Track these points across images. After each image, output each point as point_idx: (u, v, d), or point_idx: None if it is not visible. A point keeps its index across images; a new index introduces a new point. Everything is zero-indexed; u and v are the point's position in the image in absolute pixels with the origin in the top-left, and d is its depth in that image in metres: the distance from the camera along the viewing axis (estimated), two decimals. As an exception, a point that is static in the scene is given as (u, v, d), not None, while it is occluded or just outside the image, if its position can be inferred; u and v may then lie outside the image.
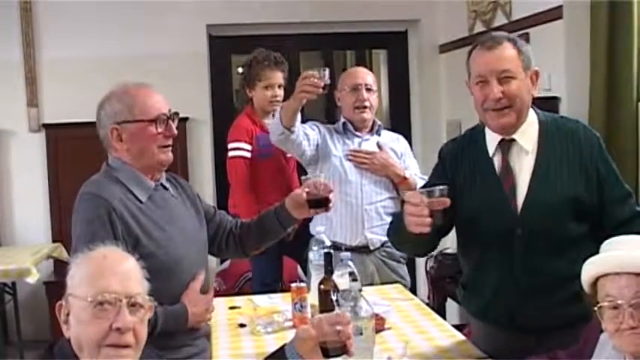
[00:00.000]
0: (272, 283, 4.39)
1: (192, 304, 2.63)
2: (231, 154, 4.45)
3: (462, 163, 2.81)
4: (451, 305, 5.45)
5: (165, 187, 2.71)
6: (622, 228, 2.54)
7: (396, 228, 2.79)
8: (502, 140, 2.72)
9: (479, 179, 2.75)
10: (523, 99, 2.64)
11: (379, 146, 4.01)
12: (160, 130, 2.58)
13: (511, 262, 2.67)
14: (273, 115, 4.55)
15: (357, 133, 4.12)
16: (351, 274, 2.93)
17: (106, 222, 2.46)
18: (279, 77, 4.49)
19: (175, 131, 2.63)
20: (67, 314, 1.91)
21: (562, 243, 2.64)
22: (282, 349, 2.14)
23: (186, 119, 5.82)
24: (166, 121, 2.60)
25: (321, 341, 2.08)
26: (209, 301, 2.73)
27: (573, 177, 2.65)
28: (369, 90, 4.09)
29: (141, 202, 2.58)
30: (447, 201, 2.52)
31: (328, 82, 3.69)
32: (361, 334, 2.34)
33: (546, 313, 2.66)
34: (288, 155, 4.42)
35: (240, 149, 4.41)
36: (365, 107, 4.07)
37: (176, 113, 2.66)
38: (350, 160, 3.97)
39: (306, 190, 2.87)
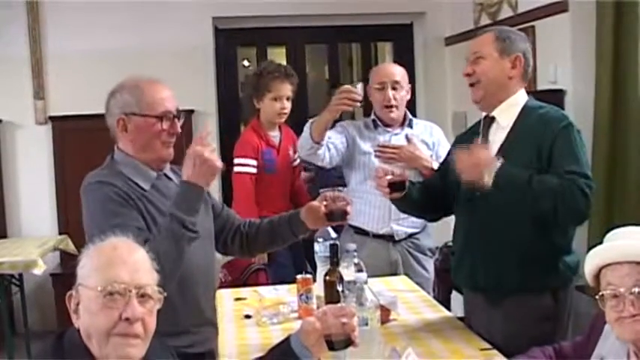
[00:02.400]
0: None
1: (185, 173, 2.51)
2: (237, 169, 4.46)
3: (462, 143, 3.09)
4: (456, 297, 5.46)
5: (169, 178, 2.72)
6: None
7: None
8: (486, 117, 3.07)
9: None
10: (491, 78, 2.99)
11: (408, 139, 4.00)
12: (165, 127, 2.60)
13: (472, 224, 3.00)
14: (280, 127, 4.60)
15: (387, 129, 4.12)
16: (356, 265, 2.96)
17: (120, 199, 2.49)
18: (288, 89, 4.50)
19: (179, 130, 2.64)
20: (77, 304, 1.92)
21: (520, 208, 2.81)
22: (287, 340, 2.16)
23: (192, 112, 5.84)
24: (172, 118, 2.62)
25: (325, 334, 2.10)
26: (197, 155, 2.49)
27: (534, 150, 2.86)
28: (395, 88, 4.06)
29: (144, 190, 2.60)
30: (406, 175, 3.09)
31: (362, 95, 3.77)
32: (367, 324, 2.35)
33: (499, 274, 2.89)
34: (294, 164, 4.44)
35: (246, 165, 4.43)
36: (392, 106, 4.05)
37: (182, 112, 2.68)
38: (378, 157, 3.94)
39: (324, 203, 2.88)
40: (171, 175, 2.74)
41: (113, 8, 5.96)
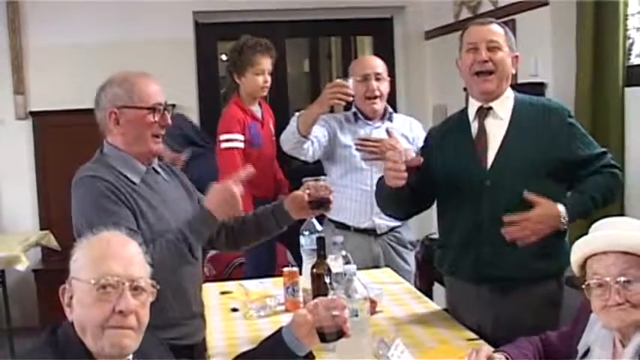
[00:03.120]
0: (267, 270, 4.42)
1: (209, 202, 2.65)
2: (224, 145, 4.41)
3: (445, 135, 3.11)
4: (438, 289, 5.50)
5: (157, 172, 2.74)
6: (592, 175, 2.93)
7: (379, 188, 3.12)
8: (480, 108, 3.01)
9: (456, 142, 3.03)
10: (505, 69, 2.96)
11: (388, 132, 4.01)
12: (156, 118, 2.62)
13: (480, 214, 2.92)
14: (260, 104, 4.59)
15: (368, 122, 4.12)
16: (344, 257, 2.97)
17: (111, 195, 2.51)
18: (269, 63, 4.50)
19: (169, 121, 2.66)
20: (71, 297, 1.92)
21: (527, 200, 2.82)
22: (279, 332, 2.18)
23: (173, 106, 5.78)
24: (162, 110, 2.64)
25: (317, 326, 2.12)
26: (227, 189, 2.66)
27: (542, 141, 2.89)
28: (378, 79, 4.07)
29: (134, 183, 2.61)
30: (421, 159, 2.95)
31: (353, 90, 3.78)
32: (356, 315, 2.36)
33: (511, 266, 2.86)
34: (274, 138, 4.45)
35: (234, 140, 4.41)
36: (375, 97, 4.06)
37: (172, 105, 2.70)
38: (359, 151, 3.95)
39: (308, 191, 2.89)
40: (159, 169, 2.76)
41: (94, 2, 5.93)
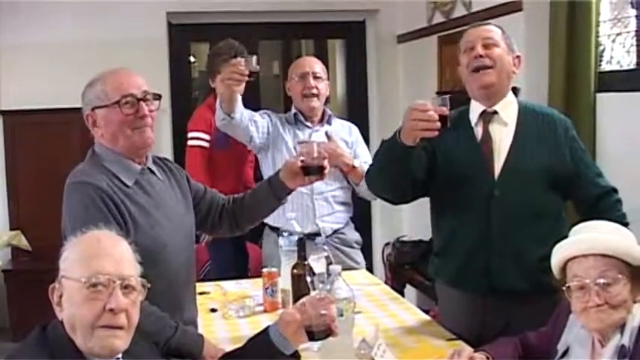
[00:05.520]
0: (232, 270, 4.43)
1: (208, 352, 2.58)
2: (189, 143, 4.51)
3: (446, 136, 2.85)
4: (410, 291, 5.56)
5: (152, 171, 2.71)
6: (597, 202, 2.91)
7: (382, 157, 2.93)
8: (484, 111, 2.94)
9: (460, 146, 2.94)
10: (504, 65, 2.91)
11: (328, 136, 4.00)
12: (126, 111, 2.55)
13: (488, 224, 2.85)
14: None
15: (308, 124, 4.10)
16: (327, 257, 3.00)
17: (102, 206, 2.47)
18: None
19: (146, 111, 2.58)
20: (60, 296, 1.92)
21: (537, 210, 2.84)
22: (266, 331, 2.20)
23: (159, 96, 5.77)
24: (136, 102, 2.57)
25: (306, 325, 2.14)
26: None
27: (549, 151, 2.88)
28: (317, 78, 4.07)
29: (127, 186, 2.58)
30: (447, 109, 2.65)
31: (256, 69, 3.72)
32: (341, 315, 2.38)
33: (519, 278, 2.82)
34: (249, 148, 4.46)
35: (198, 139, 4.48)
36: (313, 95, 4.05)
37: (154, 94, 2.63)
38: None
39: (301, 158, 2.85)
40: (154, 168, 2.72)
41: (67, 1, 5.88)
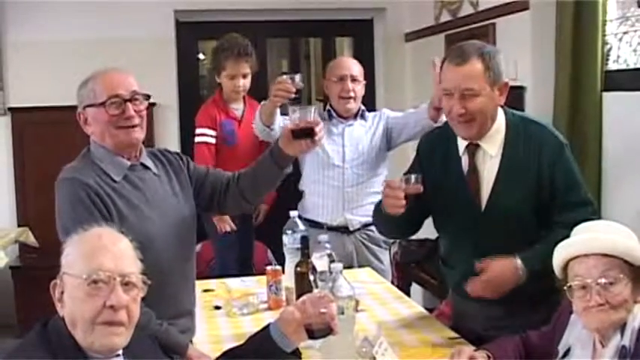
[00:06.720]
0: (235, 268, 4.44)
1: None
2: (196, 139, 4.53)
3: (435, 159, 2.95)
4: (416, 290, 5.56)
5: (145, 167, 2.71)
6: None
7: (376, 210, 2.99)
8: (469, 144, 2.86)
9: (448, 176, 2.90)
10: (485, 113, 2.75)
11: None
12: (111, 112, 2.56)
13: (478, 244, 2.83)
14: (244, 100, 4.64)
15: (341, 120, 4.15)
16: (329, 255, 3.00)
17: (89, 204, 2.49)
18: (243, 67, 4.52)
19: (131, 112, 2.58)
20: (61, 292, 1.93)
21: (526, 233, 2.79)
22: (266, 328, 2.20)
23: (153, 105, 5.80)
24: (122, 102, 2.57)
25: (306, 323, 2.14)
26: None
27: (531, 182, 2.78)
28: (354, 80, 4.12)
29: (115, 181, 2.59)
30: (420, 187, 2.74)
31: (301, 85, 3.75)
32: (342, 313, 2.38)
33: (518, 286, 2.75)
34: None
35: (204, 135, 4.50)
36: (350, 98, 4.10)
37: (146, 95, 2.64)
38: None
39: (296, 122, 2.77)
40: (148, 162, 2.72)
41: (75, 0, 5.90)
